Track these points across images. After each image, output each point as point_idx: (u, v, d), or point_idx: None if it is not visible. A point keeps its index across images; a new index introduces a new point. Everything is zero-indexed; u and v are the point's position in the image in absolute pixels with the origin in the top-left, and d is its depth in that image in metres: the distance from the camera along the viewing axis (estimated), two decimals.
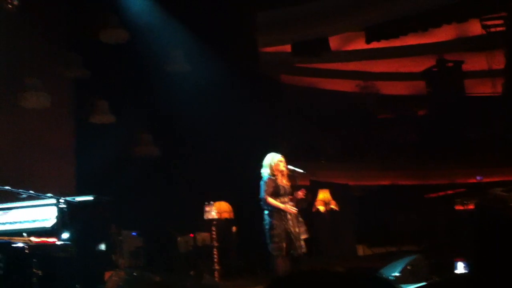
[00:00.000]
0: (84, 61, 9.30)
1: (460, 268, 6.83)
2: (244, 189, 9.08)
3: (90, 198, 5.61)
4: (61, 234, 5.01)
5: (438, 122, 12.30)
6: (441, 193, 12.37)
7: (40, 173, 8.52)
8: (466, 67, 12.09)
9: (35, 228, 5.22)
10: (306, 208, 10.98)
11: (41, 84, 8.62)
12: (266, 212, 7.08)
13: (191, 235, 9.89)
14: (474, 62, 11.77)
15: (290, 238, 6.90)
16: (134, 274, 5.15)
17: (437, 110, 12.34)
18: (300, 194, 7.10)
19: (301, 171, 7.33)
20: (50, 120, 9.21)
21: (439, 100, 12.16)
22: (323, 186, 11.27)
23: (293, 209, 6.85)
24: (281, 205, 6.84)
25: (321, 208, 10.92)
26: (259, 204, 7.32)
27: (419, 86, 12.46)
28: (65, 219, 5.06)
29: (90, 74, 9.31)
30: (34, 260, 4.50)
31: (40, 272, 4.47)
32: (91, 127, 9.55)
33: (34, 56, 8.96)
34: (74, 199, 5.19)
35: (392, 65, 12.40)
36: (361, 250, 11.98)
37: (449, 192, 12.16)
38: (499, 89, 11.46)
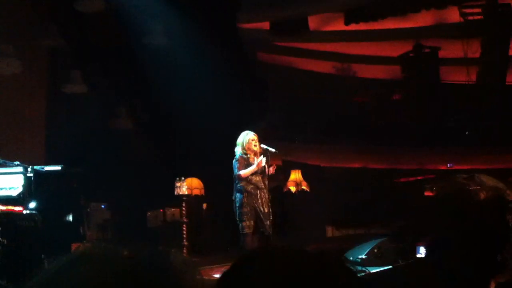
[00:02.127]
0: (60, 30, 9.11)
1: (422, 252, 6.94)
2: (216, 167, 9.05)
3: (58, 168, 5.50)
4: (28, 203, 4.92)
5: (412, 107, 12.40)
6: (411, 178, 12.52)
7: (9, 142, 8.36)
8: (442, 54, 12.15)
9: (1, 196, 5.11)
10: (277, 187, 11.04)
11: (14, 50, 8.44)
12: (237, 190, 7.09)
13: (161, 210, 9.85)
14: (451, 49, 11.84)
15: (259, 217, 6.94)
16: (102, 246, 5.08)
17: (412, 96, 12.43)
18: (271, 170, 7.13)
19: (274, 150, 7.33)
20: (22, 88, 9.03)
21: (414, 85, 12.24)
22: (296, 166, 11.31)
23: (263, 162, 6.92)
24: (254, 167, 6.89)
25: (292, 189, 10.98)
26: (231, 182, 7.32)
27: (395, 71, 12.51)
28: (32, 188, 4.97)
29: (66, 44, 9.14)
30: (0, 228, 4.41)
31: (5, 241, 4.38)
32: (64, 97, 9.40)
33: (8, 23, 8.74)
34: (42, 168, 5.09)
35: (370, 48, 12.40)
36: (330, 231, 12.08)
37: (419, 178, 12.32)
38: (473, 77, 11.58)
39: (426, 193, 11.77)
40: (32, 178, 4.96)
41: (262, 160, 6.98)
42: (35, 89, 9.41)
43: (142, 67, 9.49)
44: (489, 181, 1.69)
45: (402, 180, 12.30)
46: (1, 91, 8.69)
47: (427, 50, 12.12)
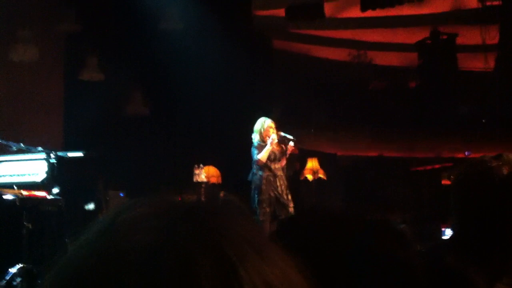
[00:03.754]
0: (76, 15, 9.13)
1: (448, 234, 6.92)
2: (233, 155, 9.05)
3: (80, 154, 5.52)
4: (51, 188, 4.94)
5: (429, 95, 12.30)
6: (428, 167, 12.44)
7: (28, 128, 8.40)
8: (460, 40, 12.03)
9: (25, 181, 5.14)
10: (293, 176, 11.03)
11: (32, 36, 8.48)
12: (255, 177, 7.08)
13: (179, 197, 9.86)
14: (468, 36, 11.71)
15: (278, 203, 6.93)
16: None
17: (428, 83, 12.34)
18: (290, 148, 7.10)
19: (291, 137, 7.31)
20: (39, 74, 9.06)
21: (431, 73, 12.14)
22: (312, 155, 11.28)
23: (275, 139, 6.89)
24: (268, 146, 6.89)
25: (309, 177, 10.94)
26: (248, 170, 7.31)
27: (412, 58, 12.40)
28: (55, 173, 4.99)
29: (82, 29, 9.15)
30: (25, 212, 4.44)
31: (30, 225, 4.41)
32: (81, 83, 9.43)
33: (25, 8, 8.76)
34: (65, 154, 5.11)
35: (386, 35, 12.29)
36: None
37: (436, 166, 12.24)
38: (491, 64, 11.46)
39: (443, 182, 11.71)
40: (55, 164, 4.98)
41: (274, 138, 6.96)
42: (52, 75, 9.44)
43: (158, 53, 9.49)
44: None
45: (419, 168, 12.22)
46: (19, 77, 8.73)
47: (444, 37, 12.00)
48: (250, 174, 7.23)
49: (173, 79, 9.51)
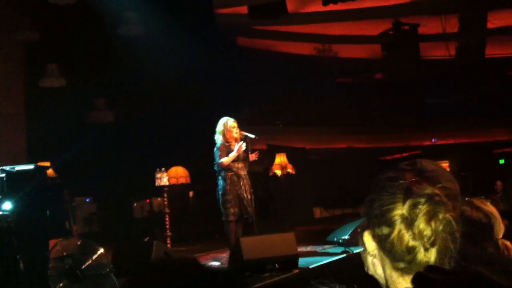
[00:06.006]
0: (34, 23, 9.03)
1: None
2: (201, 154, 9.05)
3: (30, 166, 5.46)
4: (0, 204, 4.90)
5: (394, 85, 12.41)
6: (396, 156, 12.56)
7: None
8: (421, 30, 12.14)
9: None
10: (262, 172, 11.06)
11: None
12: (220, 177, 7.08)
13: (147, 200, 9.85)
14: (429, 26, 11.83)
15: (242, 203, 6.93)
16: (78, 243, 5.08)
17: (393, 73, 12.44)
18: (253, 156, 7.11)
19: (253, 136, 7.30)
20: None
21: (395, 64, 12.24)
22: (280, 150, 11.30)
23: (243, 146, 6.85)
24: (234, 153, 6.85)
25: (278, 172, 10.96)
26: (215, 170, 7.31)
27: (376, 49, 12.49)
28: (4, 188, 4.95)
29: (40, 37, 9.06)
30: None
31: None
32: (42, 91, 9.34)
33: None
34: (13, 168, 5.05)
35: (349, 28, 12.36)
36: (318, 213, 12.14)
37: (404, 154, 12.36)
38: (452, 52, 11.60)
39: None
40: (4, 178, 4.93)
41: (242, 145, 6.95)
42: (12, 84, 9.33)
43: (119, 58, 9.43)
44: (430, 165, 1.65)
45: (388, 157, 12.33)
46: None
47: (406, 27, 12.10)
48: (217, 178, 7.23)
49: (135, 84, 9.47)
